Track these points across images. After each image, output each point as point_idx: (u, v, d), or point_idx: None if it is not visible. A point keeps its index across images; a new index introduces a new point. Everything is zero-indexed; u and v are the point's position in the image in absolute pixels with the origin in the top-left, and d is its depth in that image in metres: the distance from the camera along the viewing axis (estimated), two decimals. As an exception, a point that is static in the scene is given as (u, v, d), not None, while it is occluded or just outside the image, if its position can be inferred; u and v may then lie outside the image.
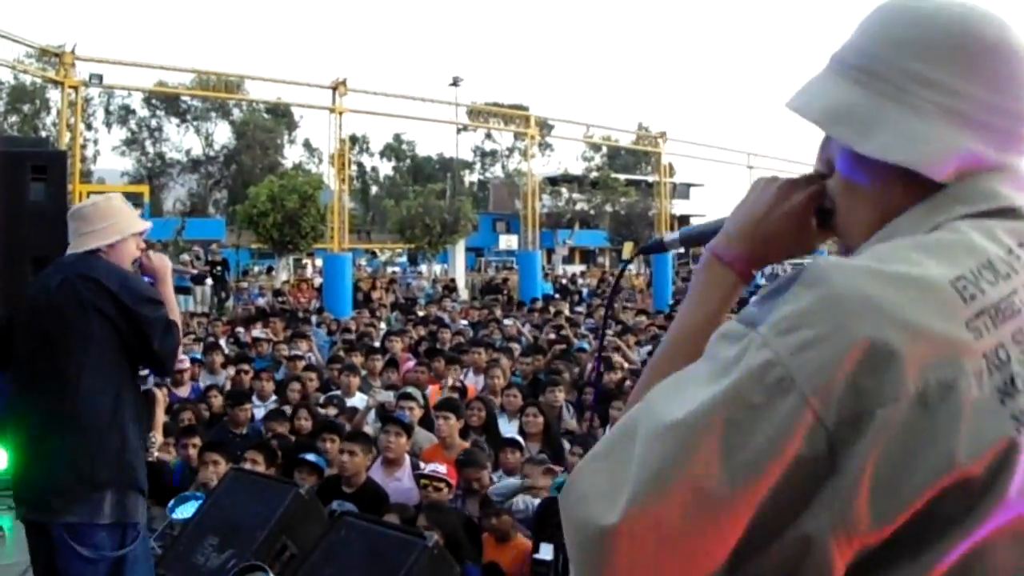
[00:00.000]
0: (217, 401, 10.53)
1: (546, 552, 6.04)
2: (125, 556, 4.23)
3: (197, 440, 7.96)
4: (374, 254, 61.42)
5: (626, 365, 12.16)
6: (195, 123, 69.90)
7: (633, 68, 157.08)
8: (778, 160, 42.99)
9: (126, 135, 68.29)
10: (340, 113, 27.55)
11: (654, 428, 1.15)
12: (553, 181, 69.07)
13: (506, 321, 19.06)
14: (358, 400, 10.51)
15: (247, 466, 7.02)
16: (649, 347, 14.59)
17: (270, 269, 45.57)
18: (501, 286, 35.30)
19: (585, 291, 36.04)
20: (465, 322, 20.28)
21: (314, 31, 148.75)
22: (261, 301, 28.71)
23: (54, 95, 52.81)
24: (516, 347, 14.42)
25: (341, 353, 13.44)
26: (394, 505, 6.65)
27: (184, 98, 59.61)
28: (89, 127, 60.68)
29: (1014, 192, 1.28)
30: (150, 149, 69.51)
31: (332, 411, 9.81)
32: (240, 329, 17.78)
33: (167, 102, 65.08)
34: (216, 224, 58.44)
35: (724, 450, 1.10)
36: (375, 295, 29.24)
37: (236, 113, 69.46)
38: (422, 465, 7.69)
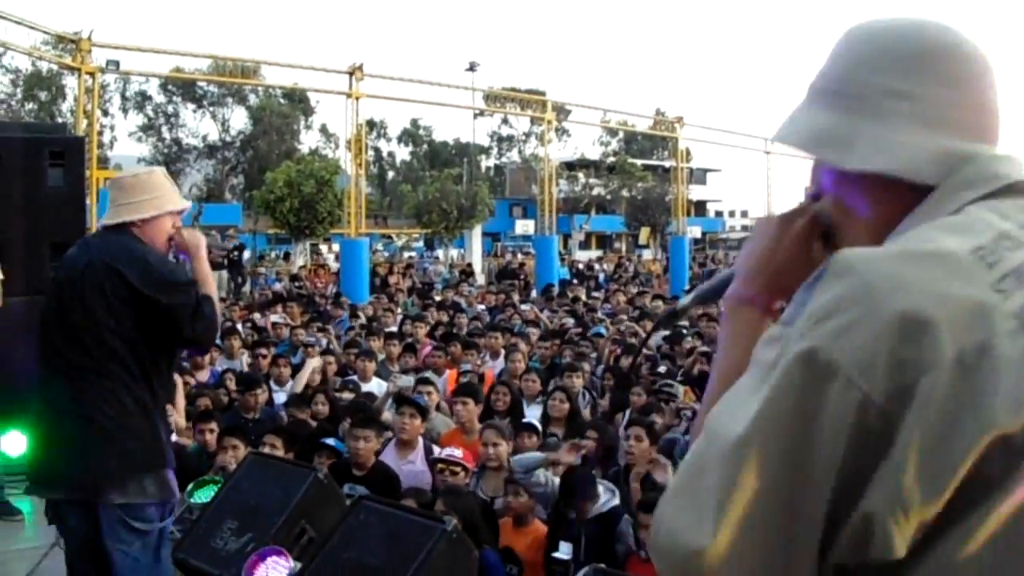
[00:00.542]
0: (234, 385, 10.55)
1: (565, 551, 6.02)
2: (163, 528, 4.47)
3: (214, 425, 7.98)
4: (390, 239, 61.48)
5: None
6: (211, 109, 69.83)
7: (650, 53, 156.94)
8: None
9: (143, 121, 68.28)
10: (357, 98, 27.48)
11: (721, 451, 1.19)
12: (570, 166, 69.01)
13: (523, 306, 19.06)
14: (374, 385, 10.52)
15: (266, 450, 7.04)
16: (667, 332, 14.61)
17: (287, 255, 45.69)
18: (518, 271, 35.29)
19: (602, 276, 36.02)
20: (482, 307, 20.29)
21: (330, 16, 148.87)
22: (278, 286, 28.78)
23: (70, 82, 52.93)
24: (534, 332, 14.44)
25: (358, 338, 13.46)
26: (411, 490, 6.65)
27: (200, 84, 59.53)
28: (106, 113, 60.69)
29: (1012, 170, 1.35)
30: (167, 135, 69.49)
31: (348, 396, 9.82)
32: (256, 315, 17.81)
33: (183, 88, 65.03)
34: (233, 209, 58.52)
35: (790, 447, 1.15)
36: (392, 280, 29.26)
37: (252, 99, 69.37)
38: (436, 450, 7.70)
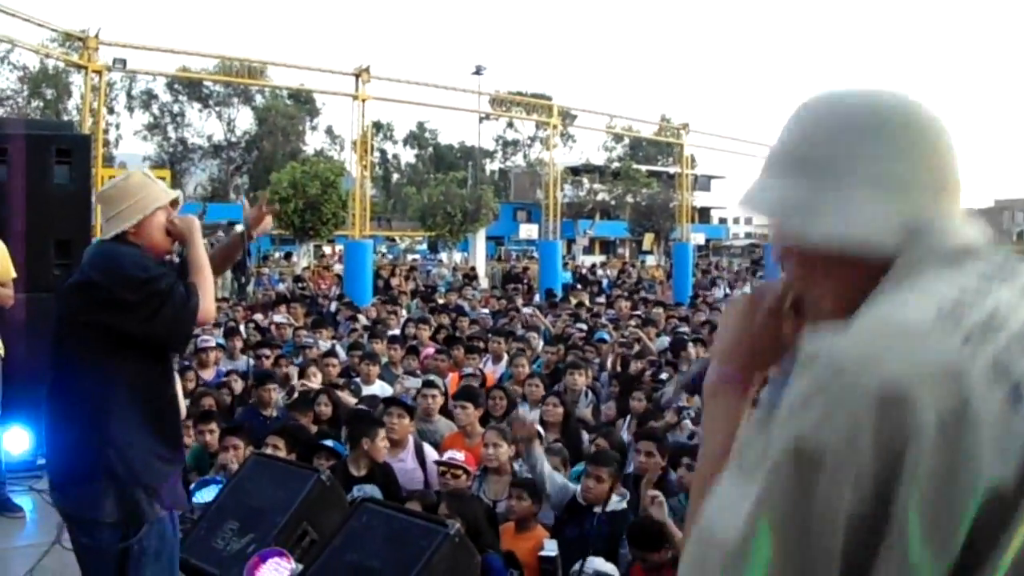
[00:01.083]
0: (238, 386, 10.55)
1: (550, 548, 6.00)
2: (130, 550, 4.09)
3: (214, 426, 7.95)
4: (394, 241, 61.48)
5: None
6: (217, 108, 70.04)
7: (656, 59, 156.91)
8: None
9: (148, 120, 68.48)
10: (363, 100, 27.49)
11: (721, 560, 1.19)
12: (575, 171, 69.06)
13: (526, 310, 19.05)
14: (377, 388, 10.50)
15: (268, 451, 7.03)
16: (668, 338, 14.65)
17: (288, 255, 45.67)
18: (522, 275, 35.29)
19: (605, 282, 35.98)
20: (486, 310, 20.27)
21: (337, 18, 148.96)
22: (281, 287, 28.76)
23: (76, 79, 53.02)
24: (534, 336, 14.43)
25: (362, 340, 13.44)
26: (416, 492, 6.65)
27: (207, 83, 59.66)
28: (111, 111, 60.81)
29: (968, 233, 1.37)
30: (172, 134, 69.71)
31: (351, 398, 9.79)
32: (259, 315, 17.78)
33: (190, 87, 65.22)
34: (237, 209, 58.46)
35: (789, 544, 1.15)
36: (395, 283, 29.25)
37: (258, 99, 69.56)
38: (432, 451, 7.78)
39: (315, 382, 10.39)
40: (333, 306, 21.18)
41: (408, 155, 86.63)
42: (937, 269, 1.30)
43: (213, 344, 11.97)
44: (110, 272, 4.17)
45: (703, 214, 77.68)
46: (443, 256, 50.70)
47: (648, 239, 59.95)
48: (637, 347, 12.79)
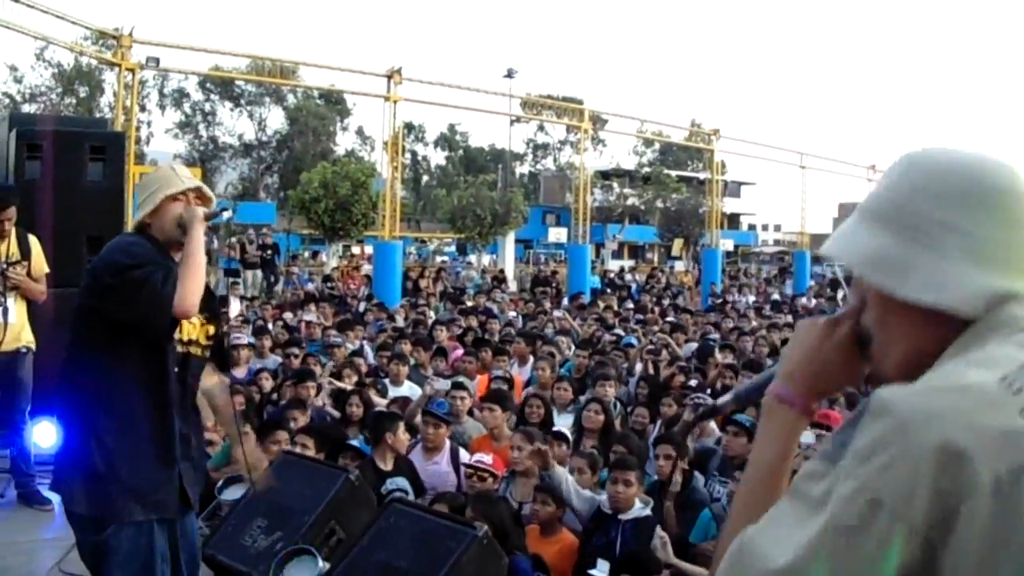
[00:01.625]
0: (268, 384, 10.58)
1: (602, 568, 5.95)
2: (106, 545, 4.03)
3: (247, 428, 7.96)
4: (424, 243, 61.58)
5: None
6: (248, 108, 70.27)
7: (687, 65, 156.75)
8: (830, 160, 42.49)
9: (180, 118, 68.82)
10: (395, 102, 27.50)
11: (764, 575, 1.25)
12: (605, 175, 69.00)
13: (556, 313, 19.03)
14: (406, 389, 10.52)
15: (297, 449, 7.04)
16: (696, 344, 14.62)
17: (315, 254, 45.81)
18: (550, 279, 35.27)
19: (634, 286, 35.90)
20: (514, 313, 20.27)
21: (370, 19, 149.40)
22: (310, 286, 28.84)
23: (109, 77, 53.36)
24: (563, 340, 14.40)
25: (390, 340, 13.45)
26: (443, 494, 6.65)
27: (238, 83, 59.90)
28: (143, 109, 61.17)
29: None
30: (203, 132, 70.02)
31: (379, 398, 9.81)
32: (288, 314, 17.82)
33: (221, 86, 65.46)
34: (267, 208, 58.81)
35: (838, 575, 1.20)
36: (423, 284, 29.29)
37: (290, 99, 69.79)
38: (464, 454, 7.81)
39: (349, 383, 10.42)
40: (361, 306, 21.21)
41: (439, 157, 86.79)
42: (1009, 336, 1.34)
43: (245, 342, 12.01)
44: (103, 258, 4.23)
45: (732, 220, 77.42)
46: (472, 258, 50.78)
47: (677, 244, 59.89)
48: (665, 353, 12.77)
